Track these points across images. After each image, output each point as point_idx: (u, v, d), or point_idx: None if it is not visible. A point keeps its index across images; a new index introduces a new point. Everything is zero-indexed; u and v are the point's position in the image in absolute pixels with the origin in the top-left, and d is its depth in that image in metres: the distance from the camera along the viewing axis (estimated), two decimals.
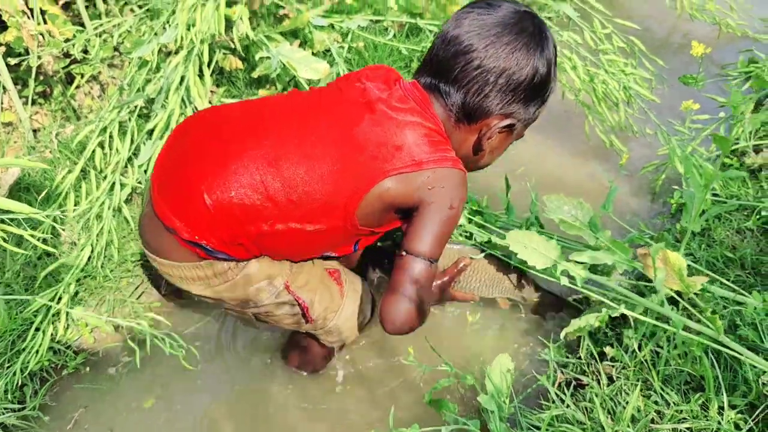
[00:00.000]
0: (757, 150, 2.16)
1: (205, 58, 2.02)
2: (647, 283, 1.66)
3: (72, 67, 2.29)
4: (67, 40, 2.31)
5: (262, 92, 2.26)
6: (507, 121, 1.28)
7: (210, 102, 2.14)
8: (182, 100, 1.98)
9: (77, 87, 2.33)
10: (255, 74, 2.15)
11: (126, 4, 2.54)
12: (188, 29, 2.04)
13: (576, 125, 2.46)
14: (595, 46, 2.31)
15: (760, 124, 2.21)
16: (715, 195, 2.01)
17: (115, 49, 2.39)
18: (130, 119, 2.01)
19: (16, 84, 2.20)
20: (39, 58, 2.12)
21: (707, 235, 1.89)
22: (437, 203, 1.21)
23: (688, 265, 1.69)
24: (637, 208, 2.24)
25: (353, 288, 1.54)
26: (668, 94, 2.60)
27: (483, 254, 1.69)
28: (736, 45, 3.11)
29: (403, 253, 1.21)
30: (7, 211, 1.07)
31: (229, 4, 2.33)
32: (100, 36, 2.35)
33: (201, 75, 2.08)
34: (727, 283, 1.53)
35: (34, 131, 2.28)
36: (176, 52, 2.04)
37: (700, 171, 1.41)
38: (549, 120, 2.56)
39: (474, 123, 1.30)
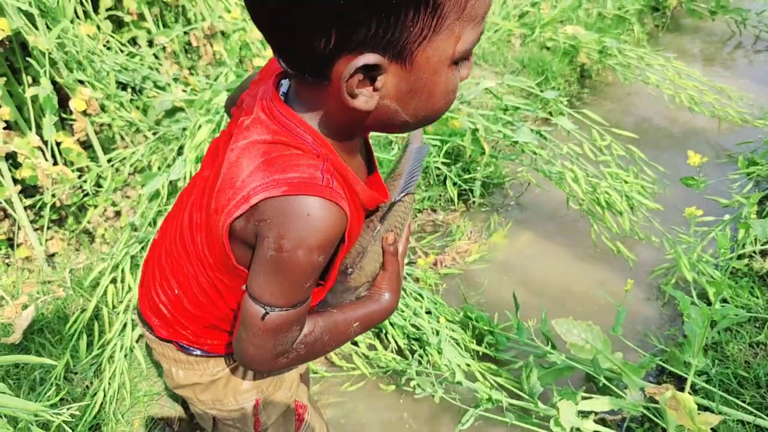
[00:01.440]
0: (765, 254, 2.16)
1: None
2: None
3: (86, 199, 2.36)
4: (80, 171, 2.39)
5: None
6: (361, 61, 0.76)
7: None
8: None
9: (89, 221, 2.39)
10: None
11: (138, 131, 2.64)
12: (197, 164, 2.10)
13: (583, 232, 2.48)
14: (595, 158, 2.35)
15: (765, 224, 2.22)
16: (724, 302, 2.01)
17: (129, 176, 2.47)
18: (142, 252, 2.06)
19: (31, 209, 2.27)
20: (53, 196, 2.19)
21: (719, 349, 1.87)
22: (265, 240, 0.86)
23: (702, 388, 1.67)
24: (649, 315, 2.23)
25: None
26: (672, 194, 2.61)
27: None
28: (737, 133, 3.15)
29: (244, 287, 0.95)
30: None
31: None
32: (112, 166, 2.43)
33: None
34: (743, 405, 1.51)
35: (50, 256, 2.33)
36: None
37: (700, 307, 1.41)
38: (557, 227, 2.58)
39: (324, 79, 0.81)
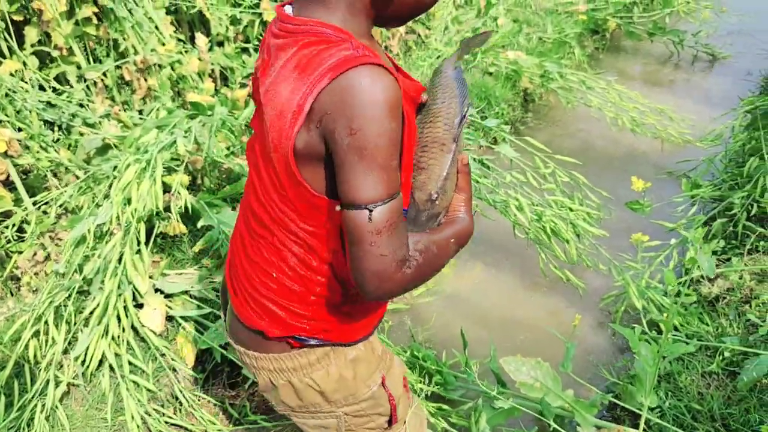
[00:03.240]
0: (712, 279, 2.14)
1: (142, 237, 1.96)
2: None
3: (9, 246, 2.22)
4: (4, 216, 2.25)
5: (206, 261, 2.20)
6: None
7: (151, 277, 2.07)
8: (120, 281, 1.91)
9: (16, 266, 2.25)
10: (196, 248, 2.10)
11: (67, 170, 2.50)
12: (125, 206, 1.99)
13: (531, 260, 2.43)
14: (539, 185, 2.31)
15: (710, 252, 2.20)
16: (676, 330, 1.98)
17: (57, 218, 2.34)
18: (66, 304, 1.93)
19: None
20: None
21: (672, 380, 1.83)
22: (335, 134, 0.85)
23: (656, 425, 1.63)
24: (600, 344, 2.19)
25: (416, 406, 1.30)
26: (618, 217, 2.60)
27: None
28: (680, 154, 3.17)
29: (338, 208, 0.92)
30: None
31: (169, 170, 2.32)
32: (39, 208, 2.30)
33: (140, 250, 2.02)
34: None
35: None
36: (112, 235, 1.98)
37: (649, 342, 1.36)
38: (504, 256, 2.54)
39: None
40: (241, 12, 3.22)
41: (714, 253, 2.22)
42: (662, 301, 2.04)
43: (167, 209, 2.17)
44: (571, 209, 2.24)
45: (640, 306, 2.06)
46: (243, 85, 3.17)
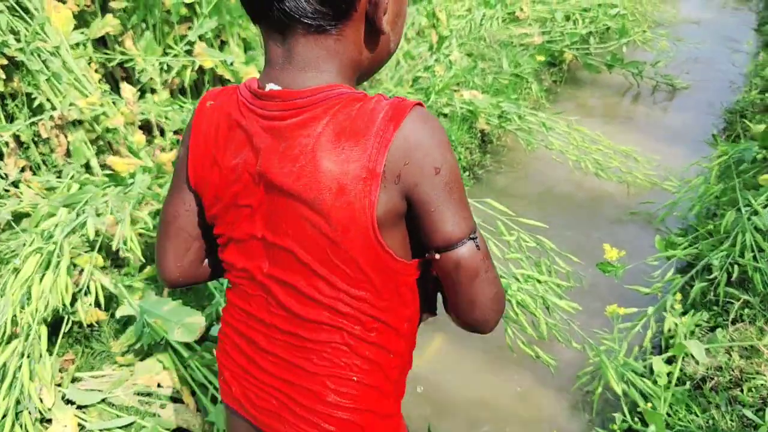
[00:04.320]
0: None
1: (44, 344, 1.68)
2: None
3: None
4: None
5: (127, 358, 1.91)
6: None
7: (59, 385, 1.78)
8: (17, 399, 1.62)
9: None
10: (116, 348, 1.82)
11: None
12: (25, 305, 1.70)
13: (497, 333, 2.20)
14: (503, 255, 2.09)
15: (694, 325, 2.01)
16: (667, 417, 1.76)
17: None
18: None
19: None
20: None
21: None
22: (421, 178, 0.82)
23: None
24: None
25: None
26: (590, 277, 2.39)
27: None
28: (646, 196, 3.00)
29: (437, 256, 0.86)
30: None
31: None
32: None
33: (43, 356, 1.72)
34: None
35: None
36: (9, 341, 1.69)
37: None
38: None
39: (349, 17, 0.82)
40: (172, 58, 2.95)
41: (697, 326, 2.02)
42: (644, 387, 1.82)
43: (79, 297, 1.88)
44: (539, 281, 2.02)
45: (619, 390, 1.84)
46: (174, 143, 2.90)
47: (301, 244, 0.85)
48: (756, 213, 2.23)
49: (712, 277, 2.15)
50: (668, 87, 4.08)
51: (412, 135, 0.80)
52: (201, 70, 3.19)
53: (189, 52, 3.08)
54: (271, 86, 0.84)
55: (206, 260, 1.03)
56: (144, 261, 2.06)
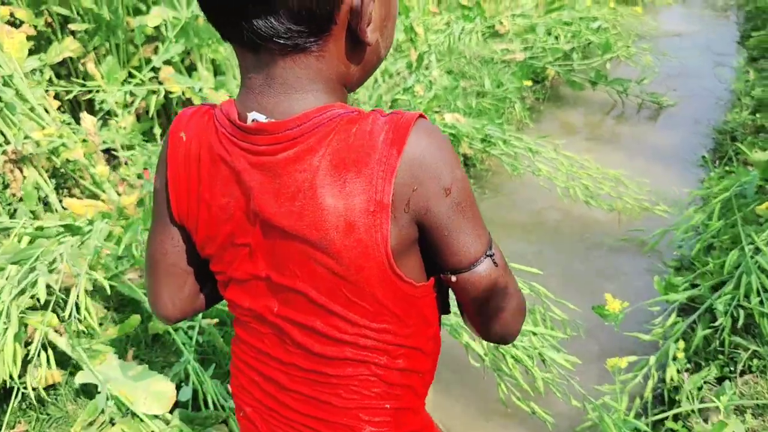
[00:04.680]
0: (705, 414, 1.81)
1: None
2: None
3: None
4: None
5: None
6: None
7: None
8: None
9: None
10: (78, 427, 1.64)
11: None
12: None
13: (490, 385, 2.06)
14: None
15: (701, 382, 1.87)
16: None
17: None
18: None
19: None
20: None
21: None
22: (431, 203, 0.76)
23: None
24: None
25: None
26: (584, 318, 2.26)
27: None
28: (639, 222, 2.88)
29: (453, 278, 0.81)
30: None
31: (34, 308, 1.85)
32: None
33: None
34: None
35: None
36: None
37: None
38: (459, 380, 2.15)
39: (328, 31, 0.73)
40: (137, 85, 2.76)
41: (705, 382, 1.89)
42: None
43: (30, 363, 1.70)
44: (534, 333, 1.88)
45: None
46: (140, 176, 2.71)
47: (313, 284, 0.79)
48: (759, 251, 2.11)
49: (716, 324, 2.02)
50: (654, 104, 3.97)
51: (418, 157, 0.72)
52: (168, 99, 3.00)
53: (155, 75, 2.90)
54: (254, 116, 0.75)
55: (202, 291, 0.96)
56: (105, 316, 1.88)
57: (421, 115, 0.74)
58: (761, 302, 1.99)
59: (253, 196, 0.77)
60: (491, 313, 0.83)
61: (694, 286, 2.23)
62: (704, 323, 2.07)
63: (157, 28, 2.79)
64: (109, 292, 1.81)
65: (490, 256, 0.80)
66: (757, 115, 3.39)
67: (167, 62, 2.95)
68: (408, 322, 0.82)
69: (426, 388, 0.92)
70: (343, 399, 0.85)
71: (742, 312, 2.00)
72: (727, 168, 2.99)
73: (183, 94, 2.89)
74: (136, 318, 1.85)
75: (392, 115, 0.74)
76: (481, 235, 0.79)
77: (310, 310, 0.80)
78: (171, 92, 2.81)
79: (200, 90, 2.77)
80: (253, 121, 0.75)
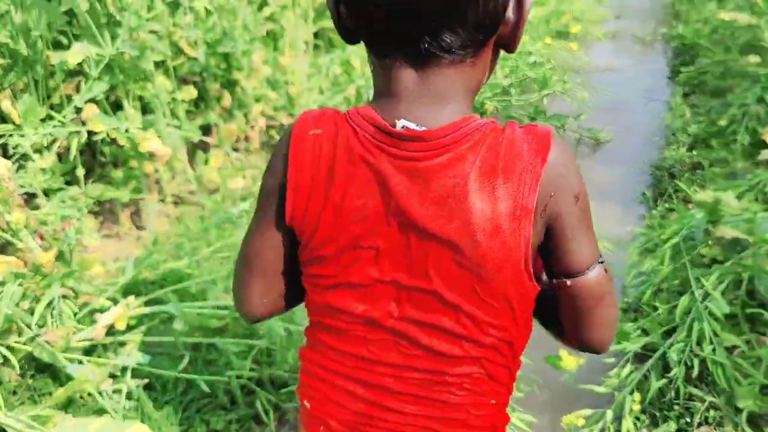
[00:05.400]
0: None
1: None
2: None
3: None
4: None
5: None
6: (511, 13, 0.81)
7: None
8: None
9: None
10: None
11: None
12: None
13: None
14: None
15: None
16: None
17: None
18: None
19: None
20: None
21: None
22: (564, 208, 0.84)
23: None
24: None
25: None
26: (540, 365, 2.18)
27: None
28: None
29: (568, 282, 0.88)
30: None
31: None
32: None
33: None
34: None
35: None
36: None
37: None
38: None
39: (488, 43, 0.83)
40: (58, 126, 2.57)
41: None
42: None
43: None
44: None
45: None
46: (65, 217, 2.50)
47: (448, 285, 0.84)
48: (708, 295, 2.08)
49: (670, 374, 1.97)
50: (591, 139, 4.00)
51: (559, 167, 0.80)
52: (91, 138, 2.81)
53: (78, 115, 2.71)
54: (404, 123, 0.81)
55: (287, 294, 0.99)
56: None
57: (552, 129, 0.82)
58: (714, 350, 1.95)
59: (398, 199, 0.81)
60: (597, 320, 0.90)
61: (644, 331, 2.19)
62: (657, 372, 2.02)
63: (79, 63, 2.61)
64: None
65: (602, 263, 0.88)
66: (694, 152, 3.44)
67: (91, 100, 2.77)
68: (520, 322, 0.88)
69: (512, 386, 0.98)
70: (456, 396, 0.90)
71: (696, 360, 1.96)
72: (667, 205, 3.00)
73: (108, 134, 2.71)
74: (84, 374, 1.68)
75: (528, 126, 0.82)
76: (595, 243, 0.87)
77: (440, 310, 0.86)
78: (95, 132, 2.62)
79: (126, 130, 2.60)
80: (403, 127, 0.80)
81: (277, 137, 3.83)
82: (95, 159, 3.25)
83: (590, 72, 5.03)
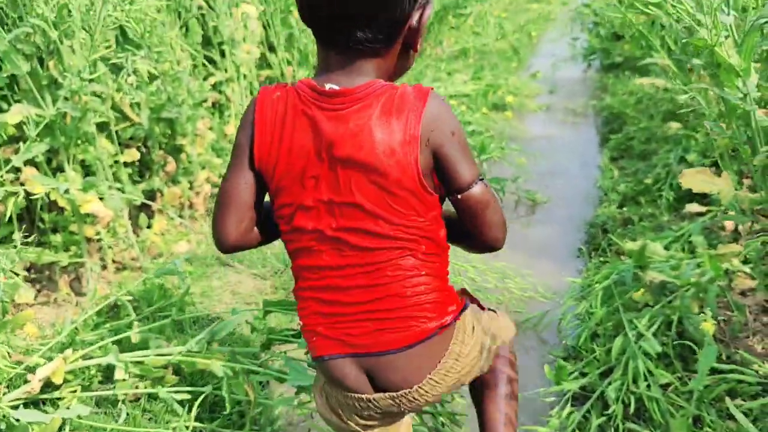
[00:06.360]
0: None
1: None
2: None
3: None
4: None
5: None
6: (428, 9, 1.23)
7: None
8: None
9: None
10: None
11: None
12: None
13: None
14: None
15: None
16: None
17: None
18: None
19: None
20: None
21: None
22: (444, 137, 1.18)
23: None
24: None
25: None
26: None
27: None
28: (524, 307, 2.90)
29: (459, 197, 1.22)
30: None
31: None
32: None
33: None
34: None
35: None
36: None
37: None
38: None
39: (394, 43, 1.21)
40: None
41: None
42: None
43: None
44: None
45: None
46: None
47: (367, 197, 1.16)
48: (641, 336, 2.15)
49: (609, 412, 2.01)
50: (529, 201, 4.14)
51: (435, 109, 1.15)
52: (30, 199, 2.79)
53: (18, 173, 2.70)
54: (330, 86, 1.17)
55: (255, 229, 1.30)
56: None
57: (432, 88, 1.17)
58: (648, 386, 2.01)
59: (327, 138, 1.15)
60: (486, 223, 1.24)
61: (583, 374, 2.24)
62: (597, 411, 2.06)
63: (19, 126, 2.61)
64: None
65: (482, 179, 1.22)
66: (624, 209, 3.59)
67: (31, 163, 2.76)
68: (427, 220, 1.20)
69: (445, 266, 1.29)
70: (389, 276, 1.20)
71: (632, 398, 2.01)
72: (602, 258, 3.11)
73: (48, 196, 2.69)
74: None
75: (416, 85, 1.17)
76: (474, 167, 1.20)
77: (362, 217, 1.17)
78: (33, 194, 2.60)
79: (67, 191, 2.59)
80: (329, 88, 1.16)
81: None
82: (34, 225, 3.20)
83: (526, 140, 5.26)
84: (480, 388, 1.54)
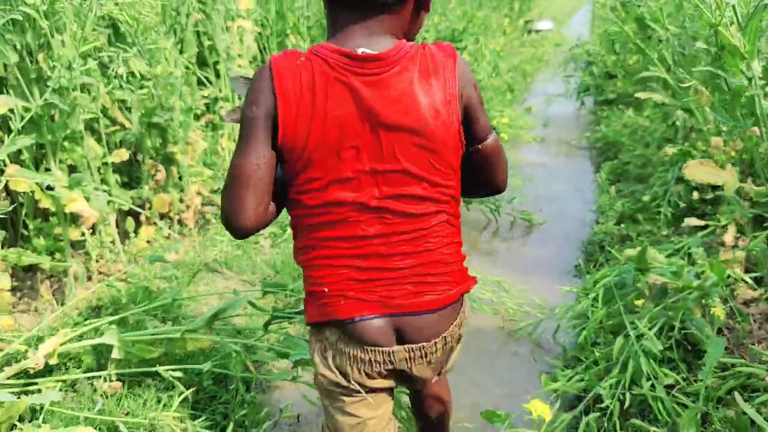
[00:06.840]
0: None
1: None
2: None
3: None
4: None
5: None
6: None
7: None
8: None
9: None
10: None
11: None
12: None
13: None
14: None
15: None
16: None
17: None
18: None
19: None
20: None
21: None
22: (471, 91, 1.25)
23: None
24: None
25: None
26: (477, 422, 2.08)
27: None
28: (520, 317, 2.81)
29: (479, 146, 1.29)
30: None
31: None
32: None
33: None
34: None
35: None
36: None
37: None
38: None
39: (407, 3, 1.21)
40: None
41: None
42: None
43: None
44: None
45: None
46: None
47: (412, 162, 1.17)
48: (642, 336, 2.07)
49: (604, 405, 1.91)
50: (525, 222, 4.08)
51: (462, 64, 1.21)
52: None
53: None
54: (363, 49, 1.15)
55: (268, 209, 1.22)
56: None
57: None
58: (652, 386, 1.92)
59: (369, 105, 1.13)
60: (500, 168, 1.34)
61: (581, 379, 2.14)
62: (593, 411, 1.96)
63: (5, 122, 2.55)
64: None
65: (494, 129, 1.30)
66: (621, 225, 3.54)
67: (16, 161, 2.69)
68: (457, 175, 1.24)
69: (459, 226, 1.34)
70: (433, 243, 1.24)
71: (628, 395, 1.92)
72: (612, 268, 3.03)
73: (33, 194, 2.62)
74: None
75: (437, 43, 1.22)
76: (488, 119, 1.29)
77: (408, 182, 1.18)
78: (19, 203, 2.52)
79: (51, 188, 2.51)
80: (362, 52, 1.14)
81: (213, 219, 3.77)
82: (17, 234, 3.11)
83: (521, 166, 5.23)
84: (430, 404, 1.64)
